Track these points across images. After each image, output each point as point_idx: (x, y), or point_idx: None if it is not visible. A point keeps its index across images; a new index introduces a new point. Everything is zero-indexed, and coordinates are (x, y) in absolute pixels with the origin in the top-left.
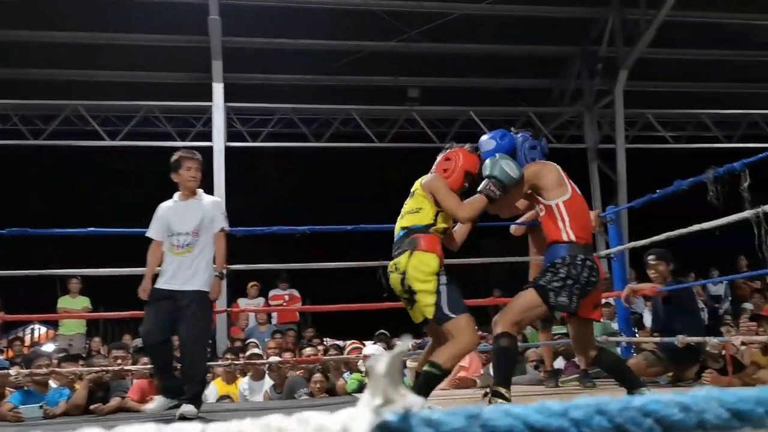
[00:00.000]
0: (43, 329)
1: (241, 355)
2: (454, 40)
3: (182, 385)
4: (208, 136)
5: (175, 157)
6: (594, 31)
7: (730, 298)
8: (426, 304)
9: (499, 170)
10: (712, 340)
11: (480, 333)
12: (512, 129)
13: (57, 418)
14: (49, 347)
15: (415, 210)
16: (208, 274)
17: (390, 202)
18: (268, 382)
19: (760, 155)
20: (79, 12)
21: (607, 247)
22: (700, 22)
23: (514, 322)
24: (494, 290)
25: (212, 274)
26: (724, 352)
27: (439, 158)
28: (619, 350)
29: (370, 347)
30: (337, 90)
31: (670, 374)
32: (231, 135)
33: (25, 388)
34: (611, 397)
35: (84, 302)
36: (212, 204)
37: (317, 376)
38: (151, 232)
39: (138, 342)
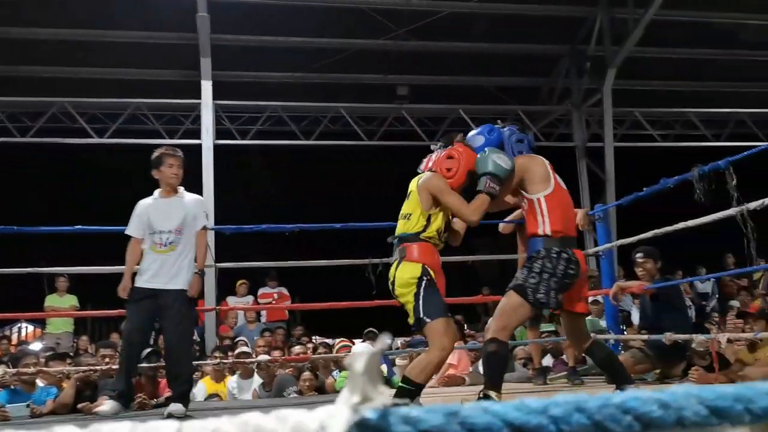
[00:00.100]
0: (31, 328)
1: (230, 354)
2: (443, 38)
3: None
4: (196, 134)
5: (156, 154)
6: (582, 29)
7: (717, 296)
8: (409, 310)
9: (492, 165)
10: (699, 338)
11: (468, 331)
12: (498, 122)
13: (44, 417)
14: (36, 346)
15: (406, 216)
16: (192, 273)
17: (379, 200)
18: (257, 380)
19: (745, 153)
20: (67, 8)
21: (596, 245)
22: (688, 21)
23: (501, 327)
24: (483, 288)
25: (194, 273)
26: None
27: (435, 156)
28: None
29: (360, 345)
30: (327, 88)
31: (658, 371)
32: (220, 133)
33: (12, 387)
34: (590, 395)
35: (71, 300)
36: (195, 202)
37: (306, 374)
38: (131, 229)
39: None
